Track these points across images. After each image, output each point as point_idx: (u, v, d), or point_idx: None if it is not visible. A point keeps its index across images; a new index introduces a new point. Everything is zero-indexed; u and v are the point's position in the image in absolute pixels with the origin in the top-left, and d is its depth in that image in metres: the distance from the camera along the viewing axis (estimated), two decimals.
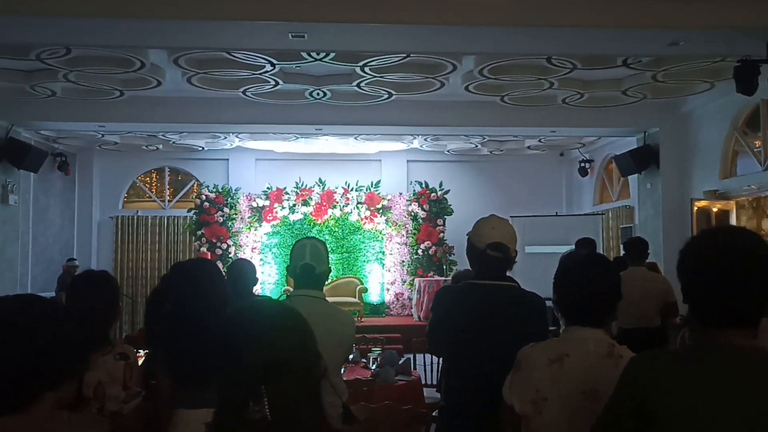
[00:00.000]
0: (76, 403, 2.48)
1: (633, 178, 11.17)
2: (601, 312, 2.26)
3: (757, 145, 8.81)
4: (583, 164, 12.99)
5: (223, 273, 3.09)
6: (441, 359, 3.62)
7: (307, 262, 3.03)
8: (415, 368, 5.82)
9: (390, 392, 4.68)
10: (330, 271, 3.17)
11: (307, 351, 1.31)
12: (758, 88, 6.37)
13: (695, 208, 9.27)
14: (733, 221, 9.44)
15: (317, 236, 12.59)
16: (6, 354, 1.37)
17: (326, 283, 11.95)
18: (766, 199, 9.45)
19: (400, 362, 5.31)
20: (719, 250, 1.61)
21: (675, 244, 9.72)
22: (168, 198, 14.07)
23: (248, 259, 6.40)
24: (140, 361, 2.77)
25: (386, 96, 9.29)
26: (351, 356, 5.57)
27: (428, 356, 6.33)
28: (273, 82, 8.68)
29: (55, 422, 1.45)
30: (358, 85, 8.78)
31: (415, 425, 3.24)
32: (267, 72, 8.24)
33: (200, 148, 13.02)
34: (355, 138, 11.86)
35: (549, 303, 2.54)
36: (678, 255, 1.70)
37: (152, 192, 14.23)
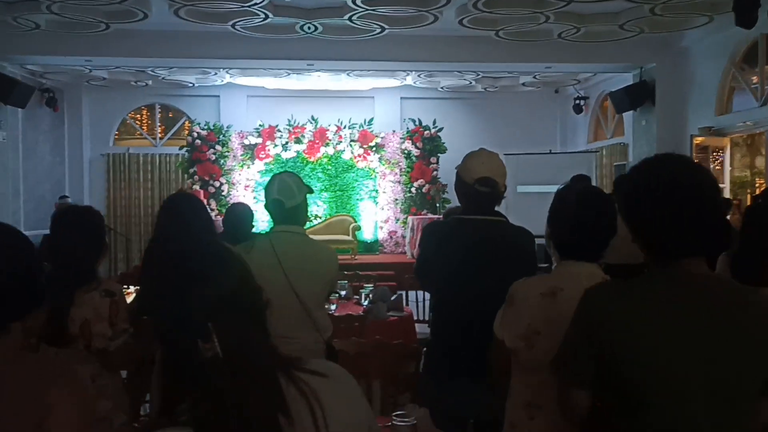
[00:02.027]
0: (63, 339, 2.49)
1: (628, 115, 11.06)
2: (596, 247, 2.24)
3: (754, 81, 8.71)
4: (577, 101, 12.86)
5: (206, 207, 3.05)
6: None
7: (275, 197, 3.00)
8: (407, 304, 5.86)
9: (382, 328, 4.71)
10: (305, 204, 3.11)
11: (247, 285, 1.31)
12: (758, 21, 6.24)
13: (695, 145, 9.20)
14: (727, 158, 9.42)
15: (310, 174, 12.65)
16: None
17: (320, 221, 11.90)
18: (760, 136, 9.40)
19: (392, 298, 5.34)
20: (665, 184, 1.60)
21: None
22: (159, 135, 13.91)
23: (245, 202, 6.41)
24: (129, 299, 2.76)
25: (378, 30, 9.08)
26: (344, 293, 5.60)
27: (420, 293, 6.37)
28: (262, 15, 8.45)
29: (27, 352, 1.43)
30: (349, 19, 8.57)
31: (406, 360, 3.26)
32: (256, 4, 8.02)
33: (190, 85, 12.81)
34: (348, 74, 11.67)
35: (540, 240, 2.52)
36: (618, 189, 1.71)
37: (143, 129, 14.07)
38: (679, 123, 9.83)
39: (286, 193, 3.02)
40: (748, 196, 9.18)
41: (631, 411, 1.59)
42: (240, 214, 4.77)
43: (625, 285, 1.70)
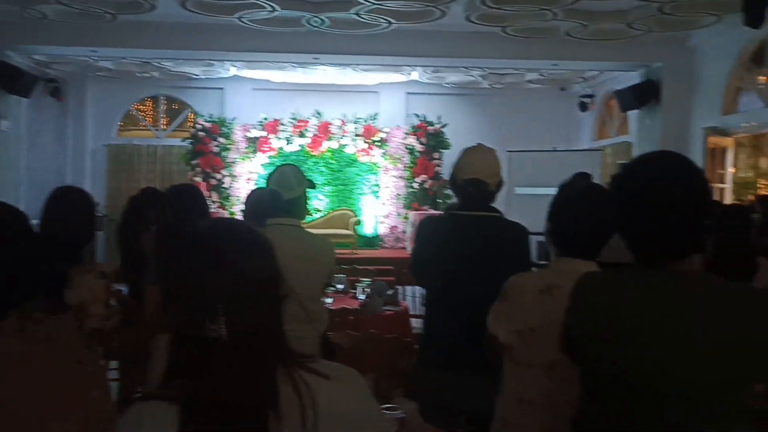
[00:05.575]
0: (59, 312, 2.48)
1: (633, 114, 11.02)
2: (594, 245, 2.21)
3: (761, 82, 8.66)
4: (583, 99, 12.80)
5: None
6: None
7: (272, 188, 3.00)
8: (404, 299, 5.85)
9: (377, 322, 4.68)
10: (304, 197, 3.10)
11: (268, 271, 1.27)
12: (765, 21, 6.20)
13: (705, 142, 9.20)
14: (730, 158, 9.42)
15: (313, 168, 12.61)
16: None
17: (321, 215, 11.76)
18: (765, 137, 9.36)
19: (389, 293, 5.33)
20: (649, 186, 1.57)
21: None
22: (163, 126, 13.90)
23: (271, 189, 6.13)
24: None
25: (386, 25, 9.05)
26: (341, 286, 5.58)
27: (417, 288, 6.35)
28: (269, 8, 8.43)
29: (26, 334, 1.41)
30: (357, 13, 8.54)
31: (400, 354, 3.25)
32: None
33: (196, 77, 12.78)
34: (354, 69, 11.63)
35: (540, 238, 2.49)
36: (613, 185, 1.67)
37: (147, 120, 14.06)
38: (683, 122, 9.79)
39: (285, 184, 3.02)
40: (751, 197, 9.17)
41: (596, 397, 1.61)
42: (259, 199, 4.26)
43: (616, 276, 1.70)
